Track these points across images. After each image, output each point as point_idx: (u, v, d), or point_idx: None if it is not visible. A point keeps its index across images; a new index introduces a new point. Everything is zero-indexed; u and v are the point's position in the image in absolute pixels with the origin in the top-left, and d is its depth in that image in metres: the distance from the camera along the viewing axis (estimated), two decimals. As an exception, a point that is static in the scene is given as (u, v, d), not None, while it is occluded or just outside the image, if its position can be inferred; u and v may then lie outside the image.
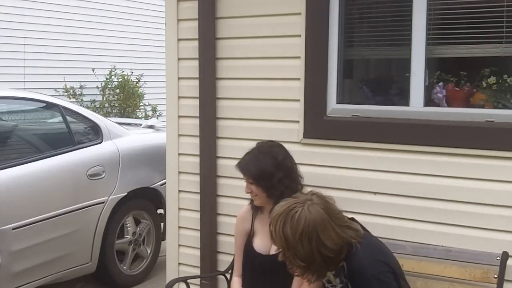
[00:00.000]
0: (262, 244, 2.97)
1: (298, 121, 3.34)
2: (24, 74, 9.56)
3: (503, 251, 2.78)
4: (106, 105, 10.65)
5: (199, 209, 3.69)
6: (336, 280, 2.53)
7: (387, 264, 2.42)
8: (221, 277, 3.45)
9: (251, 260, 3.00)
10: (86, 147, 4.79)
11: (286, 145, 3.05)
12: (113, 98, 10.71)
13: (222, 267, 3.56)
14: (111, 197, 4.77)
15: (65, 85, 10.02)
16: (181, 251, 3.86)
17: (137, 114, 11.04)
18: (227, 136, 3.60)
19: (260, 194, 2.90)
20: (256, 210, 3.00)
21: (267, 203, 2.91)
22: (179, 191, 3.82)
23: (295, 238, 2.34)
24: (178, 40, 3.71)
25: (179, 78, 3.74)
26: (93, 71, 10.09)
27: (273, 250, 2.93)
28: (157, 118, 10.68)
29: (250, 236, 3.03)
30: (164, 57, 3.83)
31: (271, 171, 2.84)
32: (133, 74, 10.74)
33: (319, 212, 2.37)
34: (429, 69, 3.11)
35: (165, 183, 4.02)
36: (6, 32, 9.45)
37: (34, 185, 4.29)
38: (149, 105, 11.42)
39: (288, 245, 2.37)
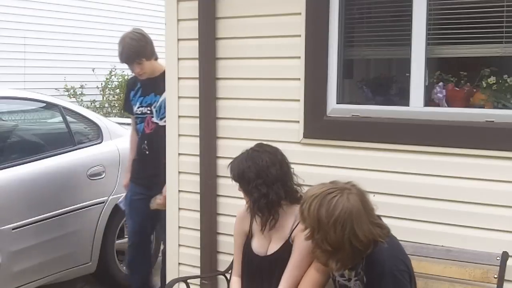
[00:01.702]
0: (260, 245, 2.97)
1: (298, 121, 3.34)
2: (24, 74, 9.57)
3: (503, 251, 2.78)
4: (106, 105, 10.65)
5: (199, 209, 3.69)
6: (351, 273, 2.55)
7: (405, 265, 2.47)
8: (221, 277, 3.45)
9: (249, 260, 3.00)
10: (86, 147, 4.80)
11: (286, 145, 3.05)
12: (113, 98, 10.71)
13: (222, 267, 3.56)
14: (111, 197, 4.78)
15: (65, 85, 10.03)
16: (181, 251, 3.86)
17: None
18: (227, 136, 3.60)
19: (244, 195, 2.93)
20: (252, 210, 2.99)
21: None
22: (179, 191, 3.82)
23: (329, 222, 2.35)
24: (178, 40, 3.71)
25: (179, 78, 3.74)
26: (93, 71, 10.09)
27: (270, 251, 2.94)
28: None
29: (248, 237, 3.04)
30: (164, 57, 3.83)
31: (250, 176, 2.84)
32: (133, 74, 10.72)
33: (357, 202, 2.40)
34: (429, 69, 3.11)
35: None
36: (6, 32, 9.45)
37: (34, 185, 4.30)
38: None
39: (320, 227, 2.38)
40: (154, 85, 4.18)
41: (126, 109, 4.56)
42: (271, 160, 2.86)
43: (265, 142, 3.02)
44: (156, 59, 4.23)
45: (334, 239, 2.37)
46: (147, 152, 4.21)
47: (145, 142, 4.22)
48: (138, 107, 4.26)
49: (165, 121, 3.99)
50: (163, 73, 3.97)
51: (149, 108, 4.21)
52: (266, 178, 2.82)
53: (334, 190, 2.43)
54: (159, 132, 4.07)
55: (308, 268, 2.84)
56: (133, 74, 4.37)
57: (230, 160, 2.96)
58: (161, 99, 4.12)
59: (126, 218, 4.50)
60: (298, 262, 2.84)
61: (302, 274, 2.84)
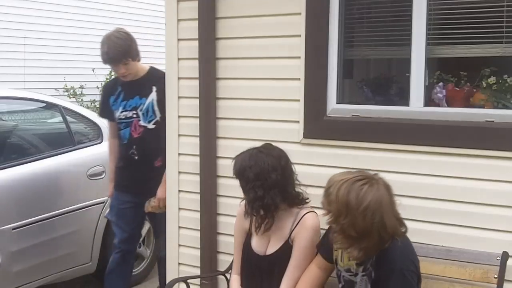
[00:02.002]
0: (259, 244, 2.98)
1: (298, 121, 3.34)
2: (24, 74, 9.56)
3: (503, 251, 2.78)
4: (106, 105, 10.64)
5: (199, 209, 3.69)
6: (359, 268, 2.56)
7: (415, 266, 2.49)
8: (221, 277, 3.45)
9: (249, 259, 3.01)
10: (86, 147, 4.81)
11: (286, 145, 3.05)
12: (113, 98, 10.70)
13: (222, 267, 3.56)
14: (111, 197, 4.77)
15: (65, 85, 10.03)
16: (181, 251, 3.86)
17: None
18: (227, 136, 3.60)
19: (242, 191, 2.93)
20: (247, 209, 2.99)
21: None
22: (179, 191, 3.82)
23: (358, 208, 2.36)
24: (178, 40, 3.71)
25: (179, 78, 3.74)
26: (93, 71, 10.09)
27: (270, 251, 2.94)
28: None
29: (248, 234, 3.04)
30: (164, 57, 3.83)
31: (249, 176, 2.84)
32: (113, 76, 10.72)
33: (386, 194, 2.43)
34: (429, 69, 3.11)
35: (165, 183, 4.02)
36: (6, 32, 9.45)
37: (34, 185, 4.30)
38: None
39: (348, 212, 2.37)
40: (138, 87, 4.07)
41: (104, 115, 4.37)
42: (274, 165, 2.85)
43: (272, 143, 3.02)
44: (139, 60, 4.11)
45: (362, 226, 2.37)
46: (136, 157, 4.07)
47: (134, 147, 4.06)
48: (122, 112, 4.09)
49: (153, 124, 3.97)
50: (146, 75, 3.98)
51: (134, 112, 4.06)
52: (264, 182, 2.82)
53: (363, 178, 2.44)
54: (148, 136, 4.01)
55: (310, 265, 2.84)
56: (112, 77, 4.29)
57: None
58: (147, 102, 4.02)
59: (113, 227, 4.32)
60: (299, 262, 2.84)
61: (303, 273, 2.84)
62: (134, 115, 4.05)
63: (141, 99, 4.04)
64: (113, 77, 4.35)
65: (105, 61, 3.97)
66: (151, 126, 4.01)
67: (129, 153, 4.08)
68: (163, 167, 3.91)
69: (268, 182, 2.82)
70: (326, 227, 2.93)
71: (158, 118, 4.00)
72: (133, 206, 4.13)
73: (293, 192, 2.92)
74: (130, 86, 4.08)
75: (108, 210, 4.42)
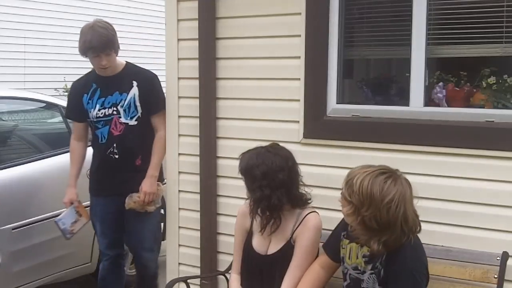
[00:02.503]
0: (260, 243, 2.98)
1: (298, 121, 3.34)
2: (24, 74, 9.57)
3: (503, 251, 2.78)
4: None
5: (199, 209, 3.69)
6: (368, 266, 2.56)
7: (426, 268, 2.51)
8: (221, 277, 3.45)
9: (249, 258, 3.00)
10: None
11: (286, 145, 3.04)
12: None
13: (222, 267, 3.56)
14: (111, 197, 4.77)
15: (65, 85, 10.03)
16: (181, 251, 3.86)
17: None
18: (227, 136, 3.60)
19: (246, 192, 2.93)
20: (252, 209, 2.98)
21: None
22: (179, 191, 3.82)
23: (383, 201, 2.37)
24: (178, 40, 3.71)
25: (179, 78, 3.74)
26: (93, 71, 10.10)
27: (271, 251, 2.94)
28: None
29: (249, 234, 3.04)
30: (164, 57, 3.83)
31: (256, 174, 2.83)
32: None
33: (408, 189, 2.45)
34: (429, 69, 3.11)
35: (165, 183, 4.01)
36: (6, 32, 9.46)
37: (34, 185, 4.30)
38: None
39: (371, 203, 2.38)
40: (117, 82, 3.83)
41: (72, 115, 4.06)
42: (281, 165, 2.85)
43: (279, 143, 3.02)
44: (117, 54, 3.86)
45: (385, 219, 2.38)
46: (116, 157, 3.82)
47: (114, 145, 3.81)
48: (100, 109, 3.82)
49: (135, 120, 3.79)
50: (125, 69, 3.84)
51: (115, 109, 3.81)
52: (271, 181, 2.82)
53: (386, 171, 2.46)
54: (130, 133, 3.81)
55: (312, 264, 2.84)
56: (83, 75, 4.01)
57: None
58: (129, 97, 3.80)
59: (98, 234, 4.09)
60: (300, 262, 2.84)
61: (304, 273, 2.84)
62: (114, 112, 3.81)
63: (122, 95, 3.81)
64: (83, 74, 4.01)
65: (86, 50, 3.71)
66: (133, 122, 3.81)
67: (107, 153, 3.84)
68: (143, 166, 3.82)
69: (275, 182, 2.82)
70: (328, 227, 2.93)
71: (139, 114, 3.81)
72: (118, 211, 3.91)
73: (297, 193, 2.92)
74: (108, 82, 3.84)
75: (61, 215, 4.01)
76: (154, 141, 3.85)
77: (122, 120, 3.81)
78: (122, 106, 3.81)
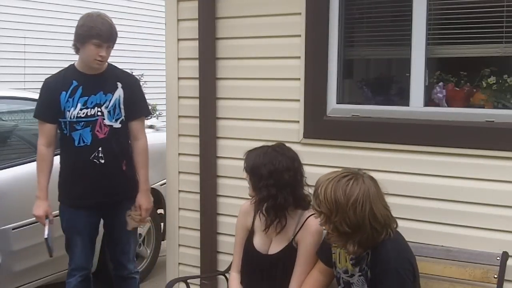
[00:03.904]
0: (262, 242, 2.97)
1: (298, 121, 3.34)
2: (24, 74, 9.57)
3: (503, 251, 2.78)
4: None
5: (199, 209, 3.69)
6: (355, 269, 2.57)
7: (411, 264, 2.50)
8: (221, 277, 3.45)
9: (250, 257, 3.00)
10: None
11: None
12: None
13: (222, 267, 3.56)
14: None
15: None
16: (181, 251, 3.86)
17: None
18: (227, 136, 3.60)
19: (250, 188, 2.92)
20: (257, 208, 2.99)
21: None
22: (179, 191, 3.82)
23: (348, 203, 2.40)
24: (178, 40, 3.71)
25: (179, 78, 3.74)
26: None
27: (272, 251, 2.94)
28: (157, 118, 10.68)
29: (250, 233, 3.04)
30: (164, 57, 3.83)
31: (263, 173, 2.83)
32: (133, 74, 10.71)
33: (372, 186, 2.46)
34: (429, 69, 3.11)
35: (165, 183, 4.01)
36: (6, 32, 9.45)
37: (34, 185, 4.28)
38: (149, 105, 11.39)
39: (338, 209, 2.41)
40: (102, 82, 3.58)
41: (44, 116, 3.62)
42: (287, 166, 2.85)
43: (285, 144, 3.02)
44: None
45: (353, 220, 2.41)
46: (102, 161, 3.53)
47: (99, 149, 3.52)
48: (82, 109, 3.51)
49: (120, 123, 3.57)
50: (108, 69, 3.63)
51: (98, 109, 3.53)
52: (277, 181, 2.82)
53: (347, 174, 2.48)
54: (115, 136, 3.57)
55: (311, 270, 2.85)
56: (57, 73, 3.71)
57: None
58: (114, 98, 3.56)
59: (75, 248, 3.70)
60: (305, 268, 2.85)
61: None
62: (99, 113, 3.53)
63: (106, 95, 3.55)
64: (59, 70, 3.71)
65: (92, 37, 3.43)
66: (117, 125, 3.57)
67: (89, 159, 3.53)
68: (128, 171, 3.64)
69: (281, 181, 2.82)
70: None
71: (123, 117, 3.59)
72: (98, 220, 3.71)
73: (301, 195, 2.92)
74: (92, 80, 3.57)
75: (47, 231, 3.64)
76: (136, 151, 3.65)
77: (107, 122, 3.55)
78: (107, 107, 3.55)
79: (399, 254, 2.47)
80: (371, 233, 2.44)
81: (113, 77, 3.63)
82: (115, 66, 3.75)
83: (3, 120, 4.80)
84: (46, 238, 3.58)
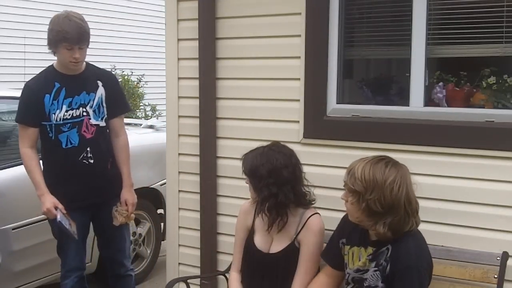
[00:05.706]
0: (263, 241, 2.97)
1: (298, 121, 3.34)
2: (24, 74, 9.55)
3: (503, 251, 2.78)
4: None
5: (199, 209, 3.69)
6: (371, 264, 2.57)
7: (429, 265, 2.54)
8: (221, 277, 3.45)
9: (251, 256, 3.00)
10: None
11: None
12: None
13: (222, 267, 3.56)
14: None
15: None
16: (181, 251, 3.86)
17: (137, 114, 11.03)
18: (227, 136, 3.60)
19: (251, 191, 2.93)
20: (259, 208, 2.98)
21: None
22: (179, 191, 3.82)
23: (385, 183, 2.45)
24: (178, 40, 3.71)
25: (179, 78, 3.74)
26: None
27: (274, 250, 2.94)
28: (157, 118, 10.69)
29: (250, 232, 3.04)
30: (164, 57, 3.83)
31: (262, 173, 2.83)
32: (133, 74, 10.74)
33: (408, 173, 2.53)
34: (429, 69, 3.11)
35: (165, 183, 4.01)
36: (6, 32, 9.45)
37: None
38: (149, 105, 11.41)
39: (374, 187, 2.45)
40: (83, 82, 3.59)
41: (27, 119, 3.55)
42: (285, 162, 2.86)
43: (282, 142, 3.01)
44: None
45: (388, 200, 2.44)
46: (91, 161, 3.56)
47: (88, 149, 3.54)
48: (67, 111, 3.51)
49: (104, 121, 3.62)
50: (87, 69, 3.64)
51: (84, 109, 3.54)
52: (277, 179, 2.82)
53: (385, 158, 2.55)
54: (101, 135, 3.61)
55: (318, 274, 2.84)
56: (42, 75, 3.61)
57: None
58: (97, 97, 3.59)
59: (67, 251, 3.66)
60: (308, 269, 2.85)
61: (312, 278, 2.84)
62: (84, 113, 3.55)
63: (89, 95, 3.57)
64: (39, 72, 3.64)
65: (61, 41, 3.39)
66: (103, 123, 3.62)
67: (79, 159, 3.54)
68: (113, 170, 3.69)
69: (281, 179, 2.83)
70: (328, 227, 2.93)
71: (106, 115, 3.64)
72: (89, 221, 3.75)
73: (302, 191, 2.92)
74: (73, 81, 3.56)
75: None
76: (118, 148, 3.71)
77: (93, 121, 3.58)
78: (91, 107, 3.57)
79: (420, 253, 2.50)
80: (403, 217, 2.47)
81: (93, 76, 3.65)
82: (93, 65, 3.77)
83: (3, 120, 4.80)
84: (59, 221, 3.46)
